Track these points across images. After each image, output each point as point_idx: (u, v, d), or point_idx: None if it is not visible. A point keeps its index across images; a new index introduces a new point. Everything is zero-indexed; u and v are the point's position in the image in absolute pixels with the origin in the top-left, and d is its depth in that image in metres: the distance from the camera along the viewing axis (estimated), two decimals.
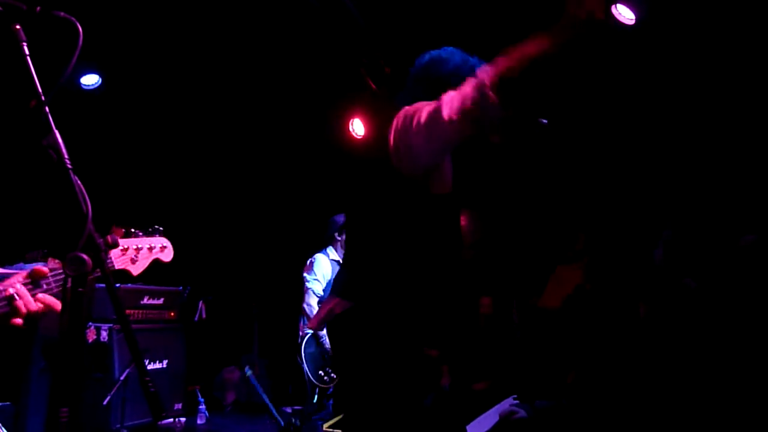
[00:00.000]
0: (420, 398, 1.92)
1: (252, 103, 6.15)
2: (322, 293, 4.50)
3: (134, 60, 5.56)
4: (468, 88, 1.68)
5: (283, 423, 4.42)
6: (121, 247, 1.80)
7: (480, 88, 1.64)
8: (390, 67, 5.22)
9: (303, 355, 4.40)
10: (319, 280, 4.53)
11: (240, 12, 5.00)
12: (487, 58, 1.89)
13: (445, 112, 1.67)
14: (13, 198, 5.90)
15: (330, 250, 4.70)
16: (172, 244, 5.29)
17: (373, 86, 5.50)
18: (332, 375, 4.38)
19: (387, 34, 4.96)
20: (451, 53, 2.03)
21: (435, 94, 1.83)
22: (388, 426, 1.83)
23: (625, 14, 4.21)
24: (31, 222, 5.87)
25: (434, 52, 2.06)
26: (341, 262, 4.64)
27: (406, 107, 1.86)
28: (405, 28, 4.89)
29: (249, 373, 4.31)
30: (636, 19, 4.19)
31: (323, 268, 4.57)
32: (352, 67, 5.37)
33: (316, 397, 4.40)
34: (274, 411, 4.32)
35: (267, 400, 4.19)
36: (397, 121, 1.82)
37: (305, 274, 4.56)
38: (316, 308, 4.45)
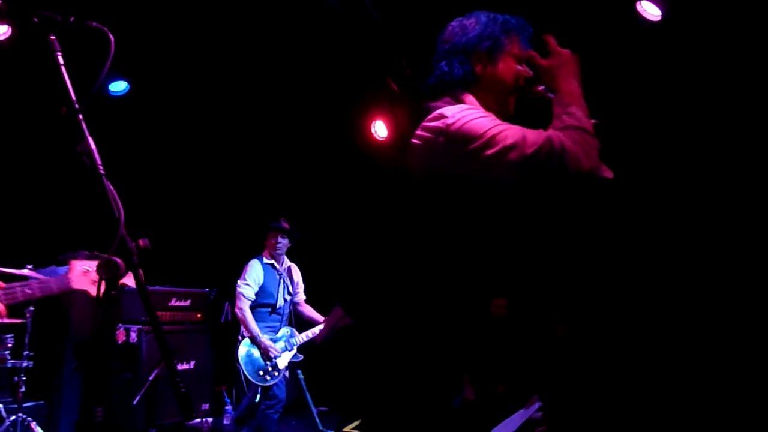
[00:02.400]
0: (449, 402, 1.90)
1: (275, 107, 6.20)
2: (254, 297, 4.61)
3: (161, 66, 5.66)
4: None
5: (321, 426, 4.51)
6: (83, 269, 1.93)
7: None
8: (411, 69, 5.22)
9: (239, 357, 4.50)
10: (250, 285, 4.61)
11: (262, 17, 5.06)
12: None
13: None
14: (45, 202, 6.05)
15: (265, 254, 4.84)
16: (200, 246, 5.34)
17: (395, 88, 5.51)
18: (273, 373, 4.51)
19: (408, 35, 4.97)
20: (472, 16, 1.82)
21: (463, 70, 1.69)
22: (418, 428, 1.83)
23: (650, 10, 4.16)
24: (63, 226, 6.00)
25: (455, 21, 1.85)
26: (274, 265, 4.80)
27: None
28: (425, 29, 4.89)
29: (301, 376, 4.41)
30: (661, 16, 4.13)
31: (255, 274, 4.66)
32: (374, 69, 5.39)
33: (258, 396, 4.50)
34: (316, 416, 4.40)
35: (311, 404, 4.28)
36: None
37: (239, 280, 4.65)
38: (248, 312, 4.54)
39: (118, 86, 5.69)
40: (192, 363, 5.40)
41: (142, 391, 4.73)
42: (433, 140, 1.54)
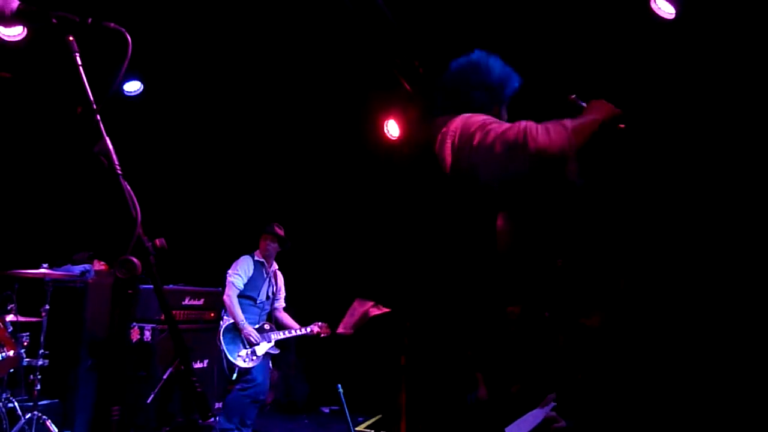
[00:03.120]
0: (464, 398, 1.92)
1: (288, 107, 6.22)
2: (242, 287, 4.94)
3: (175, 66, 5.69)
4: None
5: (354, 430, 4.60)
6: None
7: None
8: (424, 68, 5.21)
9: (223, 339, 4.81)
10: (240, 276, 4.95)
11: (274, 18, 5.07)
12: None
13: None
14: (61, 202, 6.11)
15: (257, 252, 5.17)
16: (213, 245, 5.33)
17: (407, 87, 5.50)
18: (252, 357, 4.83)
19: (420, 34, 4.96)
20: (491, 59, 2.07)
21: (484, 101, 1.95)
22: (436, 425, 1.84)
23: (664, 8, 4.13)
24: (77, 225, 6.06)
25: (470, 58, 2.08)
26: (264, 264, 5.11)
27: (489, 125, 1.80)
28: (437, 28, 4.88)
29: (341, 390, 4.50)
30: (675, 14, 4.10)
31: (246, 267, 5.02)
32: (386, 68, 5.39)
33: (235, 374, 4.85)
34: (351, 425, 4.45)
35: (348, 417, 4.39)
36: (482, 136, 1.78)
37: (230, 270, 4.99)
38: (235, 300, 4.87)
39: (133, 86, 5.73)
40: (205, 362, 5.43)
41: (156, 390, 4.76)
42: (460, 136, 1.81)
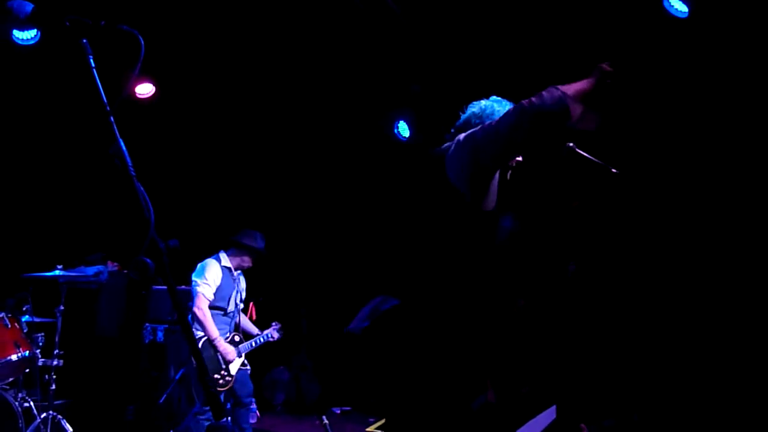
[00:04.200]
0: (468, 400, 1.92)
1: (299, 107, 6.23)
2: (212, 297, 4.40)
3: (187, 69, 5.72)
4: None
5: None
6: None
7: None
8: (435, 69, 5.21)
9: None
10: (209, 285, 4.40)
11: (285, 18, 5.08)
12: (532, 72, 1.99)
13: (563, 91, 1.85)
14: (75, 203, 6.16)
15: (222, 255, 4.60)
16: (221, 247, 5.18)
17: (419, 89, 5.51)
18: (227, 378, 4.31)
19: (431, 34, 4.95)
20: (499, 103, 2.18)
21: None
22: (435, 427, 1.84)
23: (678, 7, 4.10)
24: (91, 227, 6.10)
25: (480, 104, 2.20)
26: (231, 270, 4.55)
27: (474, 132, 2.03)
28: (449, 28, 4.87)
29: (326, 422, 4.31)
30: (689, 12, 4.07)
31: (214, 274, 4.46)
32: (398, 70, 5.39)
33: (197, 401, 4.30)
34: None
35: None
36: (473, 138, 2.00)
37: (196, 278, 4.41)
38: (208, 312, 4.34)
39: (145, 89, 5.74)
40: None
41: (169, 390, 4.77)
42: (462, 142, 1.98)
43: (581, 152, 2.34)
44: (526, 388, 4.83)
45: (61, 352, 4.12)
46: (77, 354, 4.66)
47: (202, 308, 4.31)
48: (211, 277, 4.42)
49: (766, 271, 4.22)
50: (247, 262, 4.66)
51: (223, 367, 4.32)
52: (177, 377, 4.87)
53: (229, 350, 4.36)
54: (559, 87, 1.88)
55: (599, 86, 1.93)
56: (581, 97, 1.88)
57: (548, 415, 3.72)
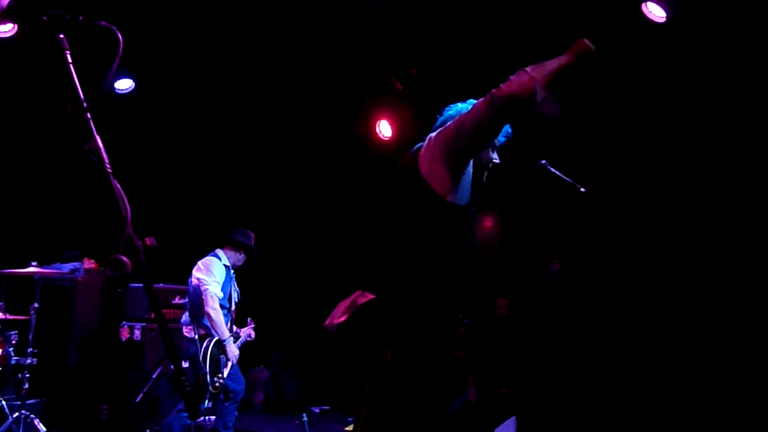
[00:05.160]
0: (447, 398, 1.95)
1: (279, 105, 6.21)
2: (221, 294, 4.37)
3: (166, 65, 5.67)
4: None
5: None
6: None
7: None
8: (416, 69, 5.22)
9: (207, 358, 4.18)
10: (218, 283, 4.34)
11: (267, 15, 5.06)
12: (511, 62, 2.01)
13: (530, 74, 1.89)
14: (51, 200, 6.07)
15: (221, 253, 4.57)
16: (201, 243, 5.14)
17: (400, 87, 5.51)
18: (222, 382, 4.25)
19: (412, 34, 4.96)
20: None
21: None
22: (413, 426, 1.85)
23: (655, 12, 4.15)
24: (67, 223, 6.02)
25: (457, 106, 2.22)
26: (229, 267, 4.49)
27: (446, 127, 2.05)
28: (430, 28, 4.89)
29: (305, 419, 4.26)
30: (666, 17, 4.13)
31: (219, 273, 4.41)
32: (379, 69, 5.39)
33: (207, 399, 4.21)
34: None
35: None
36: (446, 134, 2.02)
37: (204, 277, 4.31)
38: (220, 312, 4.25)
39: (124, 84, 5.69)
40: None
41: (146, 389, 4.73)
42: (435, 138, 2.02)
43: (553, 170, 2.40)
44: (505, 386, 4.89)
45: (35, 351, 4.05)
46: (52, 352, 4.59)
47: (216, 308, 4.23)
48: (218, 275, 4.39)
49: (746, 269, 4.29)
50: (241, 260, 4.67)
51: (221, 369, 4.29)
52: (155, 376, 4.84)
53: (236, 352, 4.36)
54: (530, 68, 1.91)
55: (578, 62, 1.95)
56: (555, 74, 1.91)
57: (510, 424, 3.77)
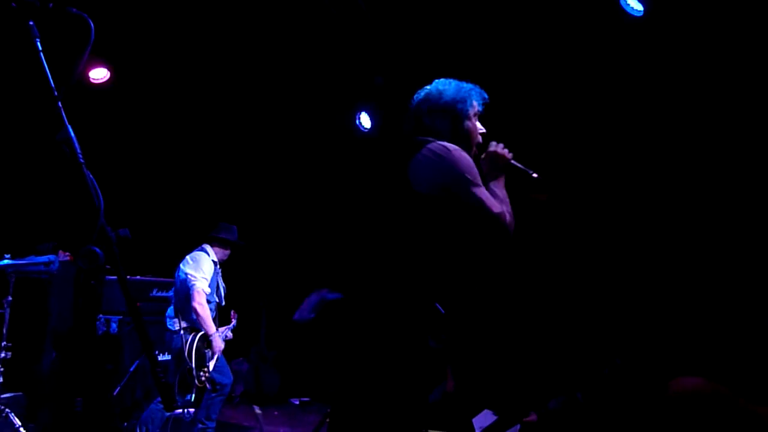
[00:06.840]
0: (424, 391, 1.95)
1: (258, 98, 6.16)
2: (209, 290, 4.39)
3: (143, 54, 5.58)
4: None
5: None
6: None
7: None
8: (398, 62, 5.22)
9: (192, 352, 4.19)
10: (206, 279, 4.38)
11: (244, 5, 5.01)
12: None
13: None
14: (24, 191, 5.95)
15: (209, 249, 4.60)
16: (179, 236, 5.09)
17: (382, 80, 5.51)
18: (208, 375, 4.27)
19: (395, 29, 4.96)
20: (444, 83, 2.19)
21: (443, 123, 2.12)
22: (389, 419, 1.85)
23: (633, 5, 4.19)
24: (42, 215, 5.92)
25: (424, 89, 2.21)
26: (215, 263, 4.55)
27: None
28: (413, 25, 4.89)
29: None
30: (644, 11, 4.17)
31: (208, 268, 4.44)
32: (361, 62, 5.38)
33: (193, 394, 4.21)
34: None
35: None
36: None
37: (193, 272, 4.33)
38: (206, 307, 4.29)
39: (99, 73, 5.59)
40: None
41: (123, 382, 4.70)
42: (437, 159, 1.97)
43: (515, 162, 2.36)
44: (482, 377, 4.93)
45: (9, 344, 4.00)
46: (27, 346, 4.53)
47: (203, 303, 4.27)
48: (206, 271, 4.42)
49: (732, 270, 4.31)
50: (227, 255, 4.71)
51: (207, 363, 4.29)
52: (132, 369, 4.80)
53: (221, 345, 4.40)
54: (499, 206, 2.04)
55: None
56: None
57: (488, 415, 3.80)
